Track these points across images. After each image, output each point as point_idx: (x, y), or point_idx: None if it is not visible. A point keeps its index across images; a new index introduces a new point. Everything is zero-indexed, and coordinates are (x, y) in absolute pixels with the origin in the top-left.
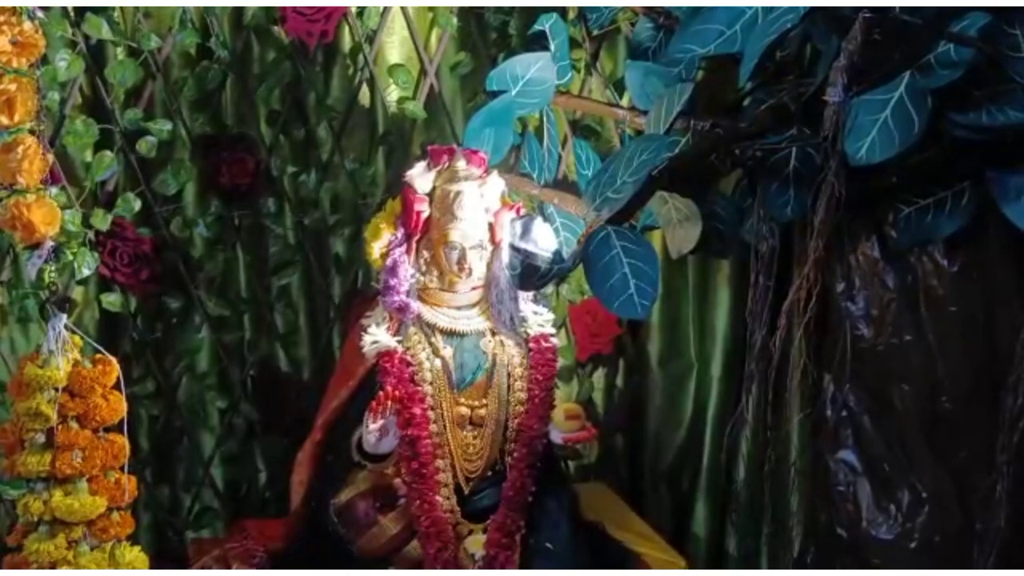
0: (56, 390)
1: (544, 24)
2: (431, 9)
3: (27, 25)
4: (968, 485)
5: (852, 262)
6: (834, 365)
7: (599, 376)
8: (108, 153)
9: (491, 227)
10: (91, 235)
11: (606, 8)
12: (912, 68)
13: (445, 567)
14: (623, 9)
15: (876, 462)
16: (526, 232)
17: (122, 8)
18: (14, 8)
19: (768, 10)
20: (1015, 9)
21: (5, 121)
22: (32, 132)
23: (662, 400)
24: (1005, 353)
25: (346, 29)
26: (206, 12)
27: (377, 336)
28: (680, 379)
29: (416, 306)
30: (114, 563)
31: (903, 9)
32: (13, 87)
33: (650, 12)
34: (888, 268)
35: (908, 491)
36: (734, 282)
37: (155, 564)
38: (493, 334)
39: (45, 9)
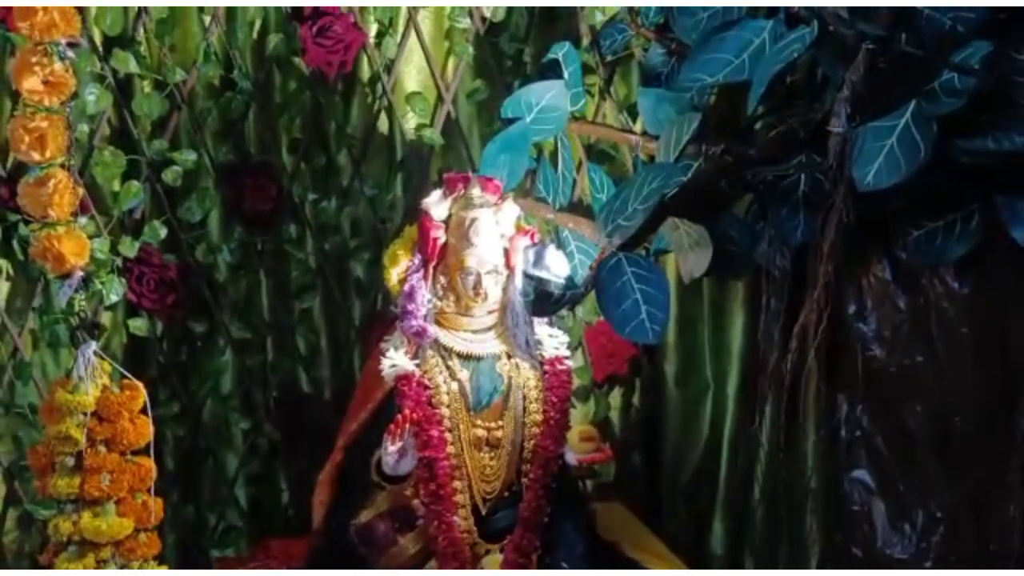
0: (85, 415)
1: (557, 53)
2: (447, 38)
3: (58, 65)
4: (982, 505)
5: (863, 284)
6: (847, 386)
7: (615, 396)
8: (135, 182)
9: (506, 252)
10: (119, 262)
11: (619, 35)
12: (916, 97)
13: None
14: (636, 35)
15: (890, 482)
16: (539, 260)
17: (148, 43)
18: (46, 48)
19: (775, 38)
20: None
21: (37, 157)
22: (63, 167)
23: (679, 420)
24: (1017, 373)
25: (364, 59)
26: (229, 45)
27: (396, 360)
28: (696, 399)
29: (433, 330)
30: None
31: (907, 39)
32: (45, 124)
33: (661, 38)
34: (899, 290)
35: (922, 511)
36: (749, 303)
37: None
38: (509, 357)
39: (74, 46)
